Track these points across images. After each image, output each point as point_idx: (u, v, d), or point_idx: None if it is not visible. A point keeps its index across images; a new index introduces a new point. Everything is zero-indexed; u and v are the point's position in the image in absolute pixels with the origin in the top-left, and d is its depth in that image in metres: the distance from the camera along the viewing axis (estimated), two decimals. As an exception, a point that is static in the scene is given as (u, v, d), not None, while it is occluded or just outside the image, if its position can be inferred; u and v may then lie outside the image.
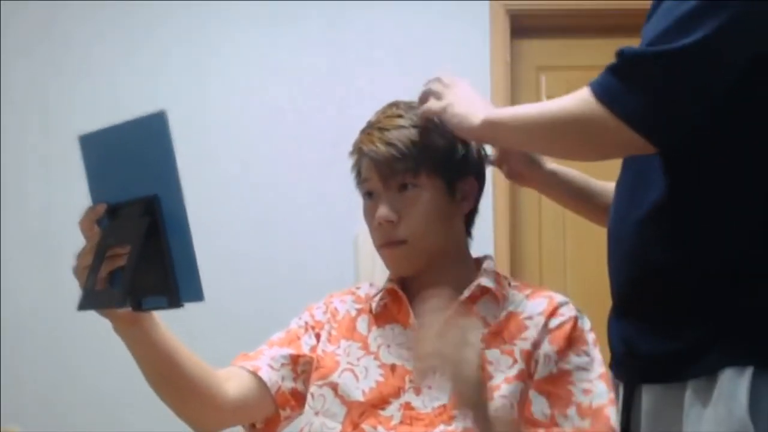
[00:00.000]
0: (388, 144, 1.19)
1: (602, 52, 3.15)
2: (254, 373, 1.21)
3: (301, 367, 1.24)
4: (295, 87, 2.95)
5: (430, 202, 1.20)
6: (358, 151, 1.24)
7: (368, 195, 1.24)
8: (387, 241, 1.21)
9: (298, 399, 1.23)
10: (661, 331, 1.04)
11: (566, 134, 1.01)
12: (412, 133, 1.20)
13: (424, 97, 1.22)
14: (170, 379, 1.12)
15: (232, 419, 1.21)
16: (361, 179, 1.25)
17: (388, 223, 1.19)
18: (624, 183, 1.13)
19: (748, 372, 0.98)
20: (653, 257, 1.06)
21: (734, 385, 0.97)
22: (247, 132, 2.94)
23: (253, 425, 1.25)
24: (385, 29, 2.93)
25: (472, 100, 1.13)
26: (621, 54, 0.96)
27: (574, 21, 2.97)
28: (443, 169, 1.21)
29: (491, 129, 1.09)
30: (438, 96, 1.17)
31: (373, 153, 1.20)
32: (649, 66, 0.93)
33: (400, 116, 1.23)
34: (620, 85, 0.94)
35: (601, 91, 0.95)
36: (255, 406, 1.22)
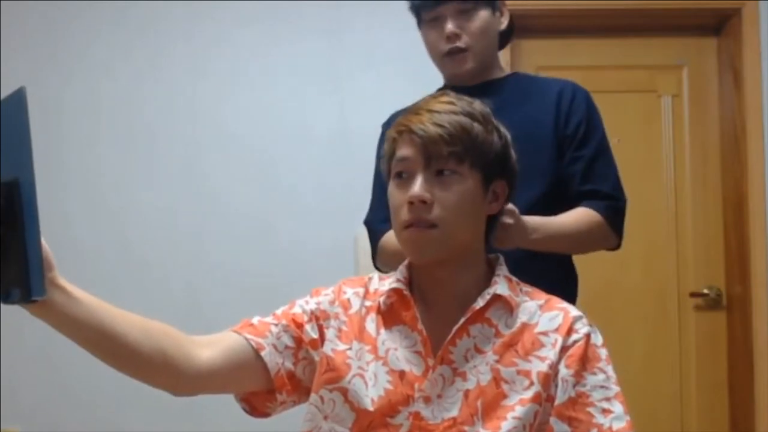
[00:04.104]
0: (439, 125, 1.15)
1: (602, 52, 3.16)
2: (257, 351, 1.17)
3: (302, 353, 1.21)
4: (296, 87, 2.95)
5: (467, 192, 1.16)
6: (403, 129, 1.19)
7: (399, 175, 1.19)
8: (416, 222, 1.15)
9: (294, 383, 1.21)
10: None
11: (589, 244, 1.70)
12: (464, 120, 1.17)
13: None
14: (109, 349, 1.06)
15: (208, 385, 1.16)
16: (396, 159, 1.19)
17: (420, 204, 1.15)
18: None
19: None
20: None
21: None
22: (247, 131, 2.94)
23: (242, 394, 1.22)
24: (385, 30, 2.93)
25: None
26: (618, 201, 1.72)
27: (574, 21, 2.97)
28: (485, 164, 1.18)
29: (545, 240, 1.58)
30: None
31: (422, 131, 1.15)
32: (624, 213, 1.74)
33: (452, 103, 1.20)
34: (619, 221, 1.71)
35: (613, 225, 1.69)
36: (244, 377, 1.18)
